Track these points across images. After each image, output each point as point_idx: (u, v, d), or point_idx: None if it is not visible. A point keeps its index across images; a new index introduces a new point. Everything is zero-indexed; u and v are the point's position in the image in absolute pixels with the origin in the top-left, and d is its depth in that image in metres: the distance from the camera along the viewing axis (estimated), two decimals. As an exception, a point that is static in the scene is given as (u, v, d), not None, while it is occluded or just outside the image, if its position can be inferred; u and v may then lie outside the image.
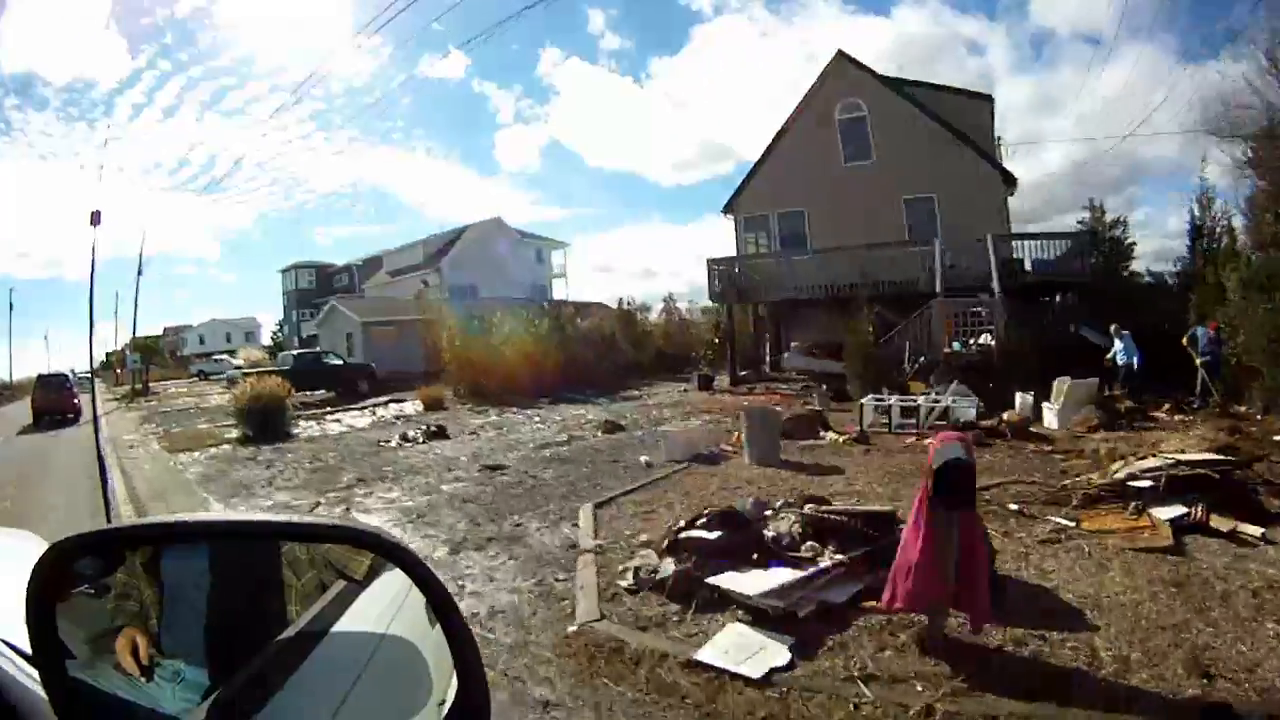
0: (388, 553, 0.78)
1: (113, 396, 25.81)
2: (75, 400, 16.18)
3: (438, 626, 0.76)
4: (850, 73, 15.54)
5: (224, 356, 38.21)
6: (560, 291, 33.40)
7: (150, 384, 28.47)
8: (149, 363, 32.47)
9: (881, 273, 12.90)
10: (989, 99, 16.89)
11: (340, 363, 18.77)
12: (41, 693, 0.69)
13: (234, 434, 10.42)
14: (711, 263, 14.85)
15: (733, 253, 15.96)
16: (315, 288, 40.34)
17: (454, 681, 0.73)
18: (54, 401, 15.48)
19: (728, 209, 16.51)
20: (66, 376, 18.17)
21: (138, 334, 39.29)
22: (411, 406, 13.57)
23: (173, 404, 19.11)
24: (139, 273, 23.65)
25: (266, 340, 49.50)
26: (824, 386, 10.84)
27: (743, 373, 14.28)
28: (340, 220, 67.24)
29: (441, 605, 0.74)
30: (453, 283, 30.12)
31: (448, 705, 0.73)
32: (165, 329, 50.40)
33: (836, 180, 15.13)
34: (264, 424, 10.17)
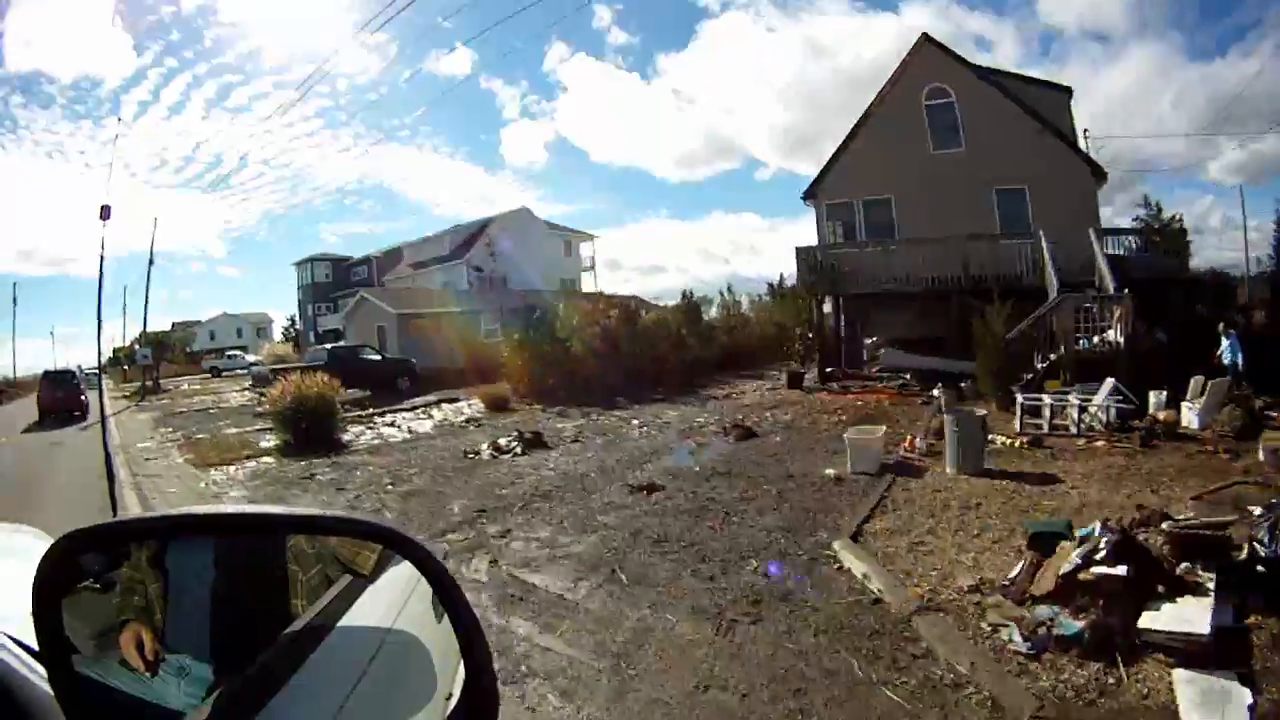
0: (398, 546, 0.77)
1: (121, 394, 24.37)
2: (82, 398, 15.71)
3: (444, 621, 0.75)
4: (936, 57, 14.84)
5: (237, 352, 36.87)
6: (589, 285, 32.03)
7: (160, 381, 27.32)
8: (160, 357, 30.88)
9: (984, 266, 12.10)
10: (1068, 90, 15.92)
11: (378, 358, 17.05)
12: (48, 688, 0.68)
13: (272, 442, 9.14)
14: (801, 251, 13.95)
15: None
16: (332, 281, 38.91)
17: (460, 676, 0.72)
18: (60, 399, 15.05)
19: (808, 195, 15.69)
20: (73, 373, 17.60)
21: (143, 331, 37.74)
22: (470, 406, 12.38)
23: (188, 403, 17.77)
24: (150, 262, 22.20)
25: (278, 336, 48.16)
26: (939, 385, 10.00)
27: (827, 369, 13.04)
28: (347, 217, 66.44)
29: (449, 597, 0.73)
30: (481, 275, 28.70)
31: (454, 699, 0.72)
32: (174, 324, 49.32)
33: (924, 168, 14.26)
34: (311, 431, 8.84)
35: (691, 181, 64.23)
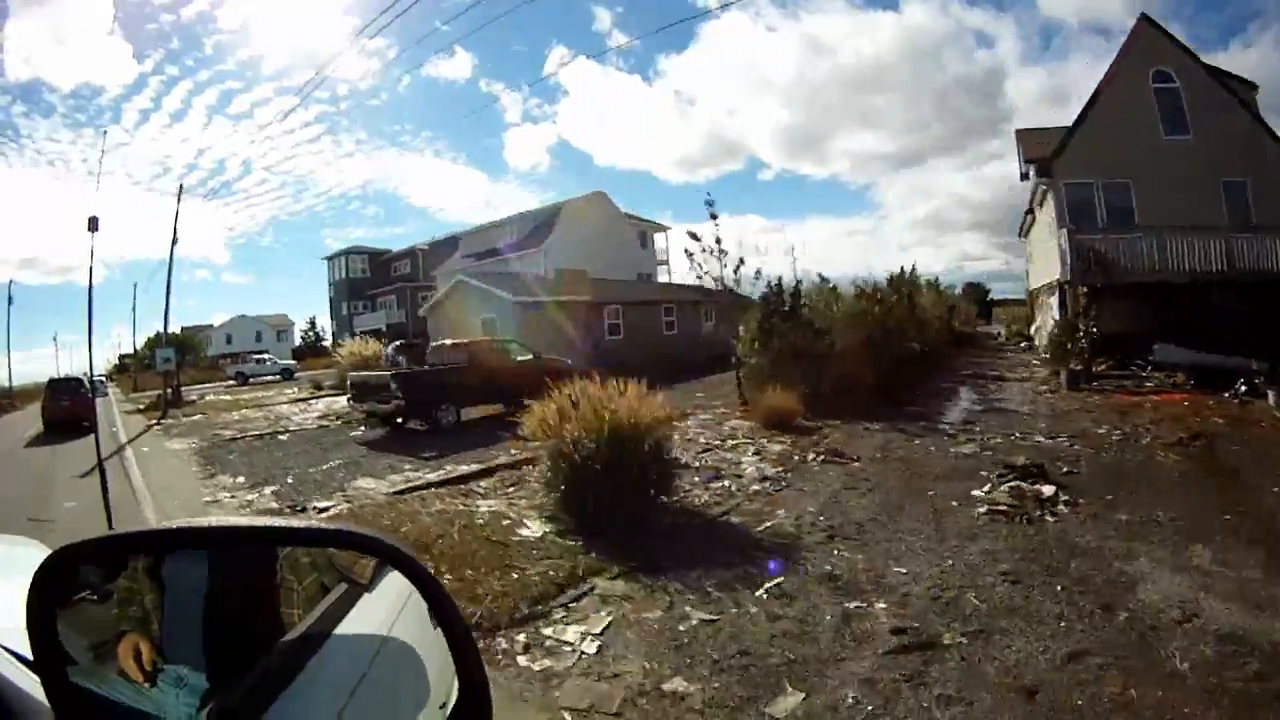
0: (389, 557, 0.77)
1: (135, 406, 20.75)
2: (90, 407, 14.24)
3: (440, 629, 0.74)
4: (1158, 41, 14.24)
5: (266, 355, 32.75)
6: (663, 279, 29.74)
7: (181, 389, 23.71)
8: (182, 362, 26.71)
9: (1246, 259, 11.51)
10: (1254, 85, 15.18)
11: (530, 357, 14.21)
12: (44, 699, 0.68)
13: (537, 526, 4.71)
14: (1076, 237, 12.61)
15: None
16: (369, 276, 35.35)
17: (456, 685, 0.72)
18: (67, 409, 13.72)
19: (1043, 171, 14.54)
20: (80, 381, 16.26)
21: (151, 336, 33.50)
22: (729, 423, 9.11)
23: (231, 421, 13.80)
24: (173, 241, 18.89)
25: (297, 339, 44.02)
26: (1241, 384, 8.89)
27: (1076, 367, 11.47)
28: (350, 223, 66.99)
29: (442, 609, 0.73)
30: (558, 265, 26.15)
31: (449, 708, 0.71)
32: (183, 329, 46.79)
33: (1155, 155, 13.55)
34: (618, 496, 4.39)
35: (695, 183, 63.60)
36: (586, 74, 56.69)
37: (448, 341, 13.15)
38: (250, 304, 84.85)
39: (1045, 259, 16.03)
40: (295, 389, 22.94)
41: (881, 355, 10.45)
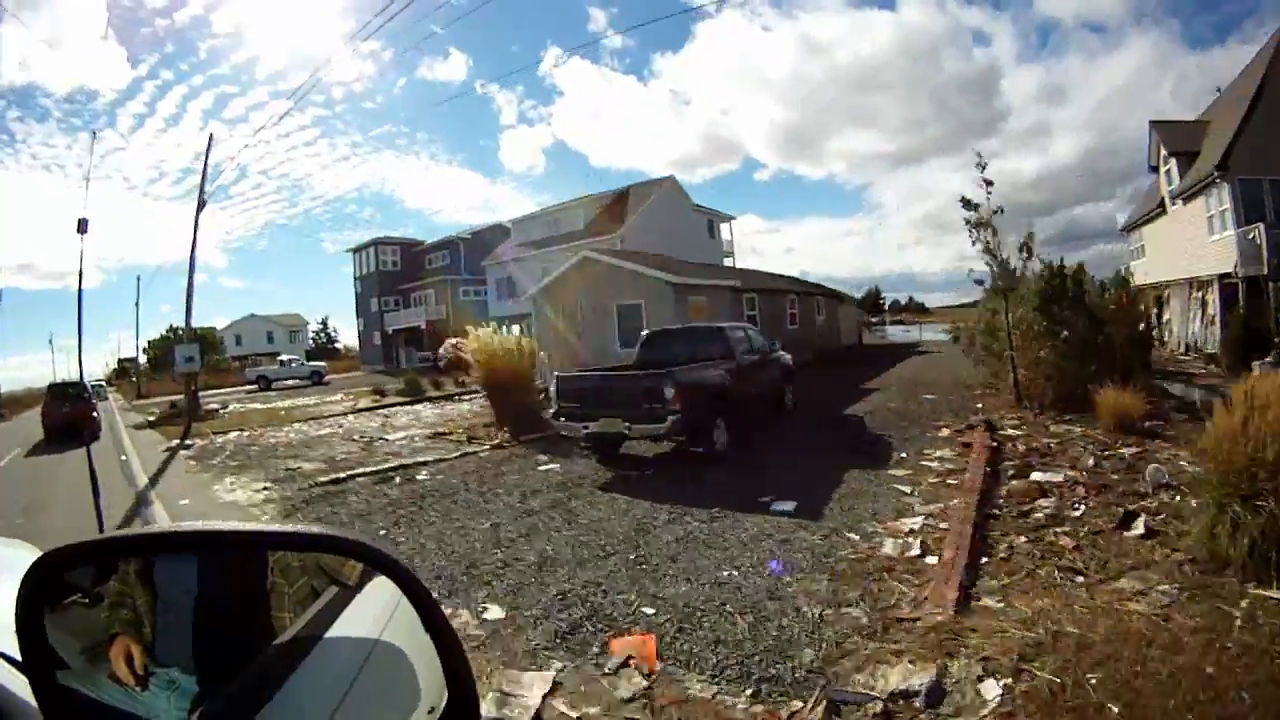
0: (375, 561, 0.75)
1: (143, 416, 16.95)
2: (94, 413, 13.45)
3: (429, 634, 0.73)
4: None
5: (291, 356, 28.11)
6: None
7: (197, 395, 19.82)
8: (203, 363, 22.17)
9: None
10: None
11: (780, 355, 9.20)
12: (33, 700, 0.67)
13: None
14: (1275, 231, 11.56)
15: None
16: (400, 269, 30.93)
17: (445, 687, 0.71)
18: (68, 415, 12.30)
19: (1222, 166, 12.99)
20: (83, 385, 15.13)
21: (155, 338, 29.36)
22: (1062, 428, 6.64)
23: (282, 440, 10.44)
24: (200, 203, 14.86)
25: (309, 342, 39.56)
26: None
27: None
28: (347, 226, 68.35)
29: (429, 613, 0.72)
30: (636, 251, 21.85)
31: (439, 712, 0.70)
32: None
33: None
34: None
35: (693, 184, 60.66)
36: (582, 75, 55.69)
37: (700, 324, 9.30)
38: (250, 307, 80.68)
39: (1173, 253, 15.31)
40: (340, 395, 18.47)
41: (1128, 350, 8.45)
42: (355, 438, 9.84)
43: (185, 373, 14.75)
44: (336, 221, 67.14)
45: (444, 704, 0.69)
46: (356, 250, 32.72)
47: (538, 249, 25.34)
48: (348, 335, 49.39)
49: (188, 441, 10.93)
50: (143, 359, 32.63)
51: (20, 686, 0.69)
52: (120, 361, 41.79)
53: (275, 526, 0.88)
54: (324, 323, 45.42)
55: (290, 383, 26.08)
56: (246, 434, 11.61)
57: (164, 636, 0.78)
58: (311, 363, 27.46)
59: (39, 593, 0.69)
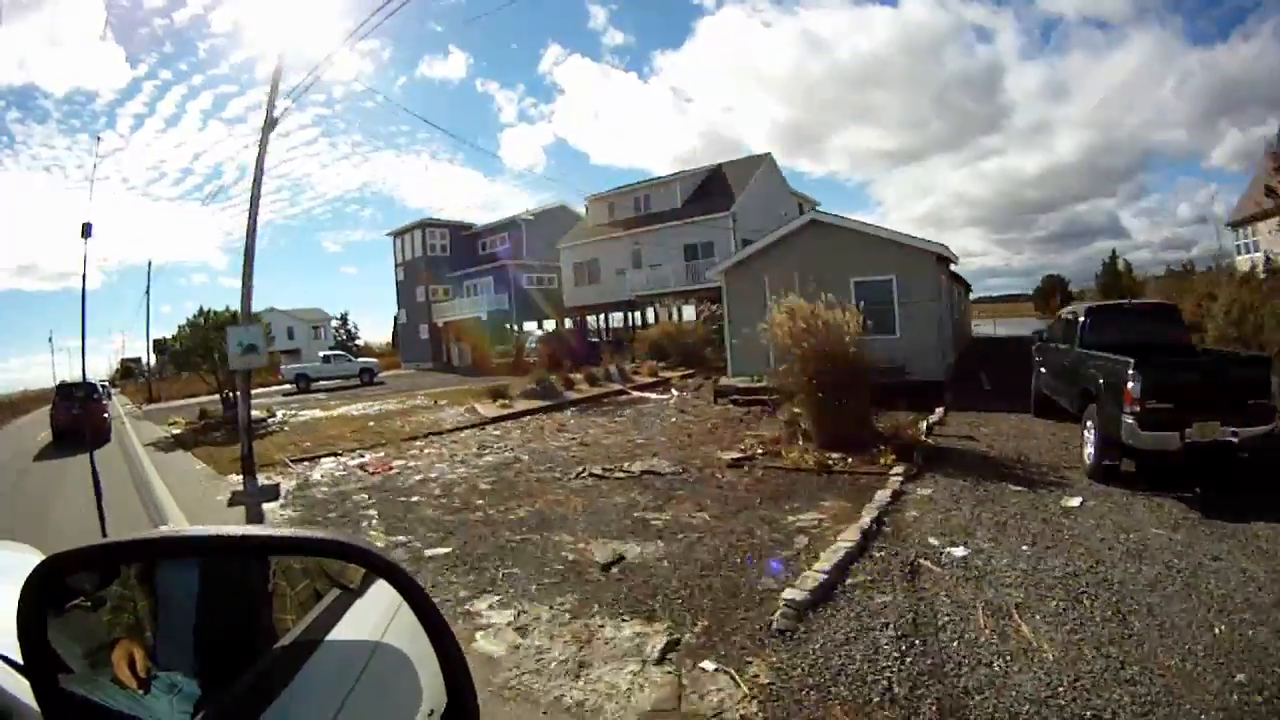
0: (376, 567, 0.74)
1: (164, 434, 12.39)
2: (105, 414, 12.55)
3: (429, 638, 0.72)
4: None
5: (335, 352, 23.74)
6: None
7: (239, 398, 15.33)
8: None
9: None
10: None
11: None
12: (36, 705, 0.66)
13: None
14: None
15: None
16: (449, 254, 26.38)
17: (445, 692, 0.70)
18: (78, 417, 11.19)
19: None
20: (94, 386, 13.54)
21: (156, 340, 25.25)
22: None
23: (430, 481, 6.52)
24: (258, 170, 10.34)
25: (330, 338, 35.31)
26: None
27: None
28: (348, 225, 64.76)
29: (429, 618, 0.70)
30: (746, 231, 17.97)
31: (438, 715, 0.69)
32: (191, 326, 36.10)
33: None
34: None
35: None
36: (582, 72, 53.76)
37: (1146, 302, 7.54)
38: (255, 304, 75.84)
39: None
40: (421, 397, 14.11)
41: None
42: (594, 471, 5.77)
43: (242, 369, 10.23)
44: (338, 220, 66.10)
45: (444, 708, 0.67)
46: (398, 234, 28.29)
47: (626, 229, 21.22)
48: (367, 332, 45.19)
49: (264, 480, 6.37)
50: (151, 359, 28.01)
51: (22, 690, 0.67)
52: (124, 361, 38.32)
53: (277, 531, 0.83)
54: (343, 318, 40.86)
55: (333, 382, 21.56)
56: (353, 464, 7.40)
57: (166, 640, 0.77)
58: (361, 359, 22.92)
59: (41, 597, 0.67)
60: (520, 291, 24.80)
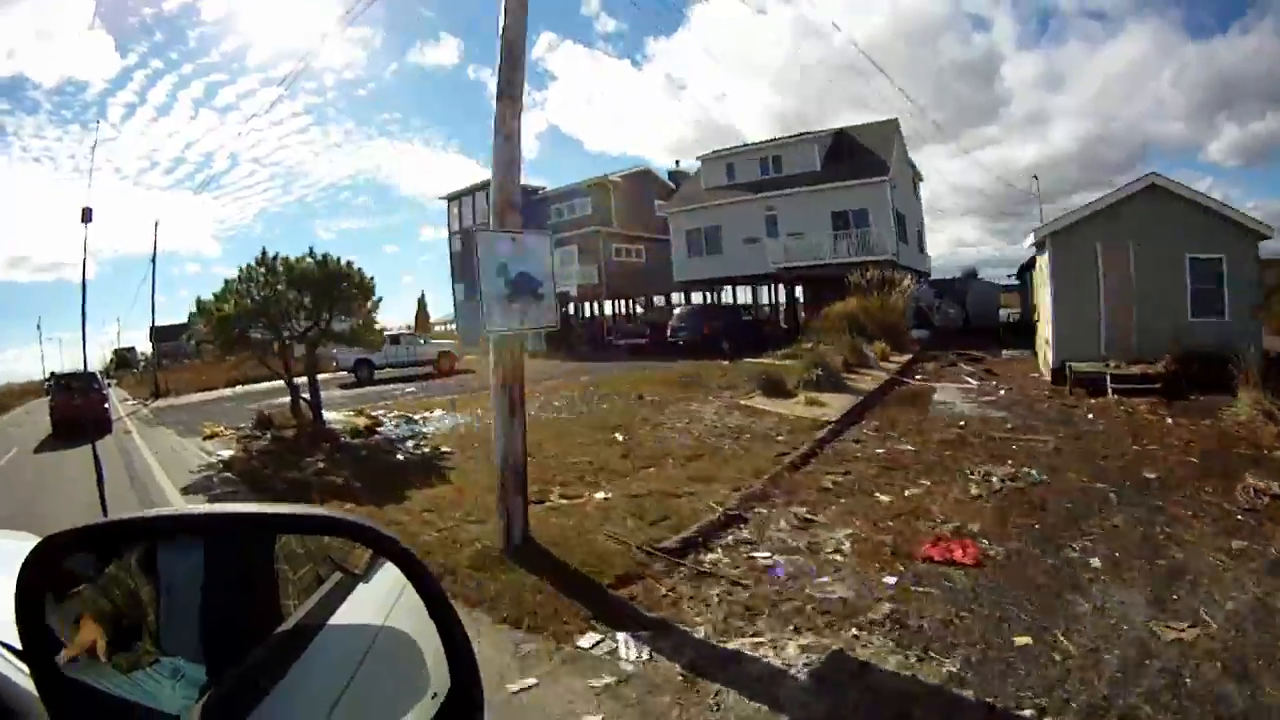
0: (379, 545, 0.71)
1: (207, 457, 7.40)
2: (105, 405, 11.60)
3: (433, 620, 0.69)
4: None
5: (406, 330, 19.20)
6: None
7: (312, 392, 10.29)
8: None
9: None
10: None
11: None
12: (34, 689, 0.63)
13: None
14: None
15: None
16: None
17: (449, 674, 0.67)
18: (79, 408, 10.48)
19: None
20: (94, 376, 12.90)
21: (158, 327, 21.50)
22: None
23: None
24: None
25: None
26: None
27: None
28: (341, 214, 60.49)
29: (432, 598, 0.67)
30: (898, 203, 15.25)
31: (442, 697, 0.66)
32: (191, 314, 32.46)
33: None
34: None
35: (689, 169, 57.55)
36: (575, 59, 52.12)
37: None
38: None
39: None
40: (588, 391, 10.25)
41: None
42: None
43: (506, 336, 4.64)
44: (331, 208, 61.80)
45: (447, 692, 0.64)
46: (454, 197, 23.66)
47: (754, 192, 17.80)
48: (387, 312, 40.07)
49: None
50: (146, 347, 23.04)
51: (21, 675, 0.64)
52: (117, 352, 34.80)
53: (280, 508, 0.72)
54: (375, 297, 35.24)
55: (402, 371, 16.41)
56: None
57: (169, 624, 0.73)
58: (437, 341, 18.25)
59: (39, 579, 0.64)
60: (610, 263, 20.97)
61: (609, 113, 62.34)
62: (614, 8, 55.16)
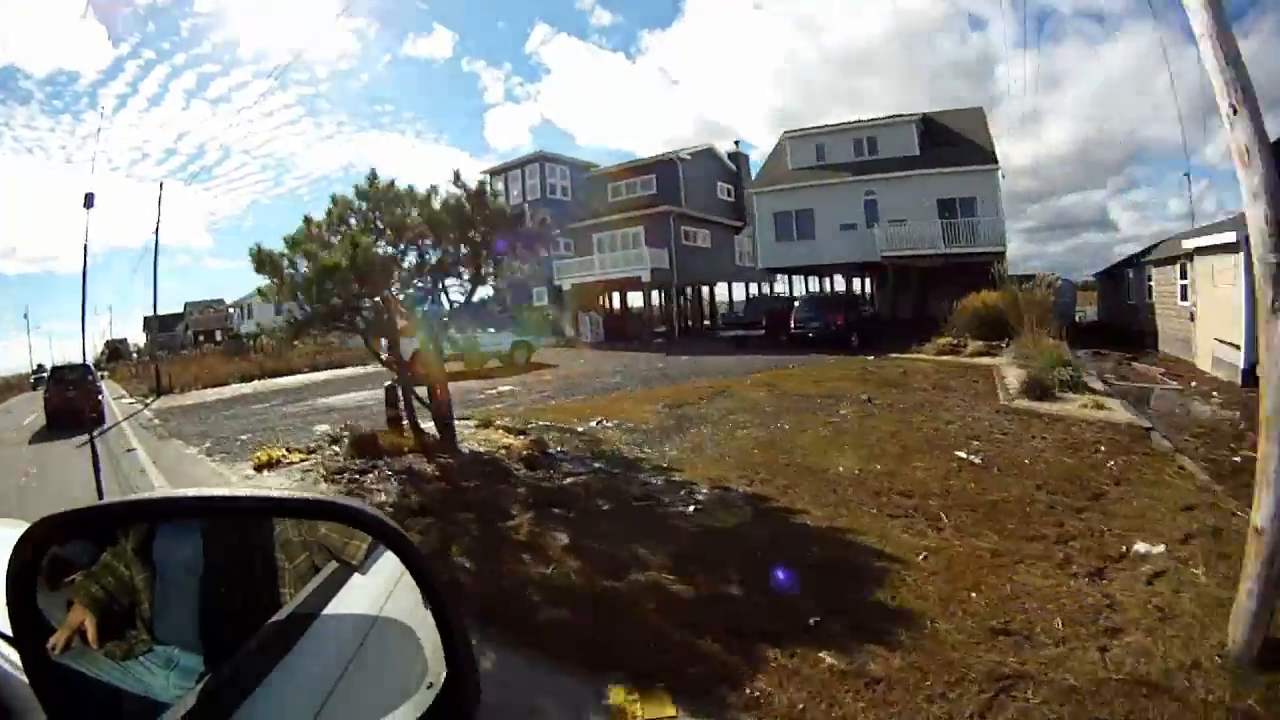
0: (377, 530, 0.68)
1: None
2: (99, 397, 11.32)
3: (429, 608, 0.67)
4: None
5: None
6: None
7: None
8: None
9: None
10: None
11: None
12: (23, 676, 0.62)
13: None
14: None
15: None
16: (569, 198, 19.92)
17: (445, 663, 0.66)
18: (73, 400, 10.33)
19: None
20: (88, 368, 12.78)
21: (152, 316, 19.23)
22: None
23: None
24: None
25: None
26: None
27: None
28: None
29: (430, 587, 0.65)
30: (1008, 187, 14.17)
31: (438, 687, 0.64)
32: (186, 305, 34.21)
33: None
34: None
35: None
36: (569, 51, 50.11)
37: None
38: (231, 291, 64.07)
39: None
40: (748, 398, 8.31)
41: None
42: None
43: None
44: (322, 202, 55.56)
45: (444, 681, 0.62)
46: (500, 171, 20.82)
47: (851, 175, 16.28)
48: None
49: None
50: (141, 338, 20.28)
51: (11, 662, 0.62)
52: (110, 343, 33.51)
53: (281, 493, 0.78)
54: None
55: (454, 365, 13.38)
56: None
57: (164, 612, 0.72)
58: (512, 331, 15.65)
59: (29, 565, 0.62)
60: (682, 248, 18.96)
61: (603, 106, 60.12)
62: (609, 0, 52.83)
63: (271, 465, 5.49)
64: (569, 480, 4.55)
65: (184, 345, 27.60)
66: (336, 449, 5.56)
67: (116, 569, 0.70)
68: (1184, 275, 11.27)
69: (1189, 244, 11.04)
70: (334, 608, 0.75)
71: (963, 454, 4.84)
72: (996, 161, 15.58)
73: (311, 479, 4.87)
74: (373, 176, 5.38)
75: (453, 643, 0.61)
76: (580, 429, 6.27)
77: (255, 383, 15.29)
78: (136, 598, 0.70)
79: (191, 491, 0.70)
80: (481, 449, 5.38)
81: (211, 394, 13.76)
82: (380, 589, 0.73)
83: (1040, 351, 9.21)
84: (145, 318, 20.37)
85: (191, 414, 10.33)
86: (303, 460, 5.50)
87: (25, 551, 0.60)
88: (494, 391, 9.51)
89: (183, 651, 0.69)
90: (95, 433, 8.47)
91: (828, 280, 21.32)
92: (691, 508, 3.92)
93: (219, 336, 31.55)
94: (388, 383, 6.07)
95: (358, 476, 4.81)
